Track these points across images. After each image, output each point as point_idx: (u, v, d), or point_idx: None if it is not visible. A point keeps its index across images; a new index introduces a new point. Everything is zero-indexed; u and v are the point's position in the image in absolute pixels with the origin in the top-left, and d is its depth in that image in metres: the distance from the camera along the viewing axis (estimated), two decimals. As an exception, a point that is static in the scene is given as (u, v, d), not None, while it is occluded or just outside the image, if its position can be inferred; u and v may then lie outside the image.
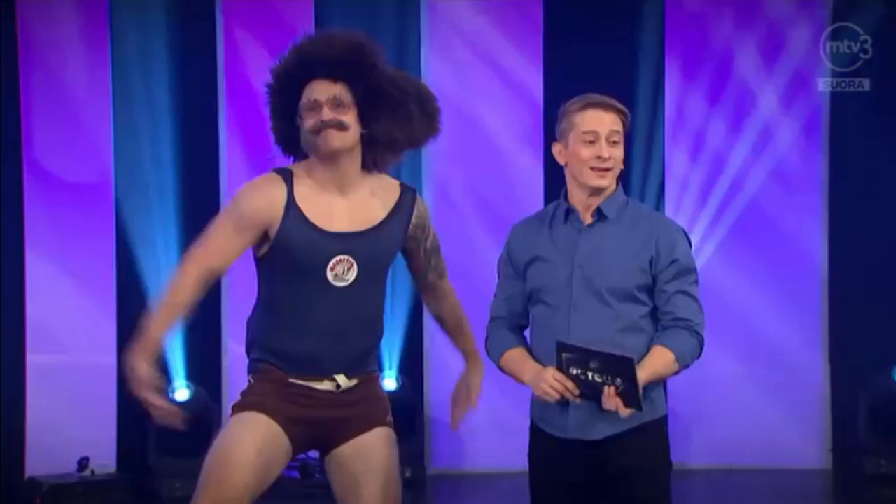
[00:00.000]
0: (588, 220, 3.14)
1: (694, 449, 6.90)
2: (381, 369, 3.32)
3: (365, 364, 3.18)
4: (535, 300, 3.17)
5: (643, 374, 3.01)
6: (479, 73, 6.91)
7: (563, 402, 3.07)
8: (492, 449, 6.73)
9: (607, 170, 3.12)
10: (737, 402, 6.93)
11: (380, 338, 3.24)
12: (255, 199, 3.08)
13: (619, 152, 3.15)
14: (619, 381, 2.97)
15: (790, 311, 6.95)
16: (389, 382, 6.59)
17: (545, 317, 3.14)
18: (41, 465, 6.28)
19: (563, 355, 3.02)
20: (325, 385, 3.13)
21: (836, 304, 6.92)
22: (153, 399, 3.00)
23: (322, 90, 3.07)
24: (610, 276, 3.08)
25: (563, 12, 6.87)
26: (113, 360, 6.35)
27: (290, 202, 3.08)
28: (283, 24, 6.72)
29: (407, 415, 6.56)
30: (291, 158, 3.22)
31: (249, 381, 3.16)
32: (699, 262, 6.73)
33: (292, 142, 3.17)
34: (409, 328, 6.70)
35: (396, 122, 3.10)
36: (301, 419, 3.10)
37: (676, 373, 3.10)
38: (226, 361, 6.60)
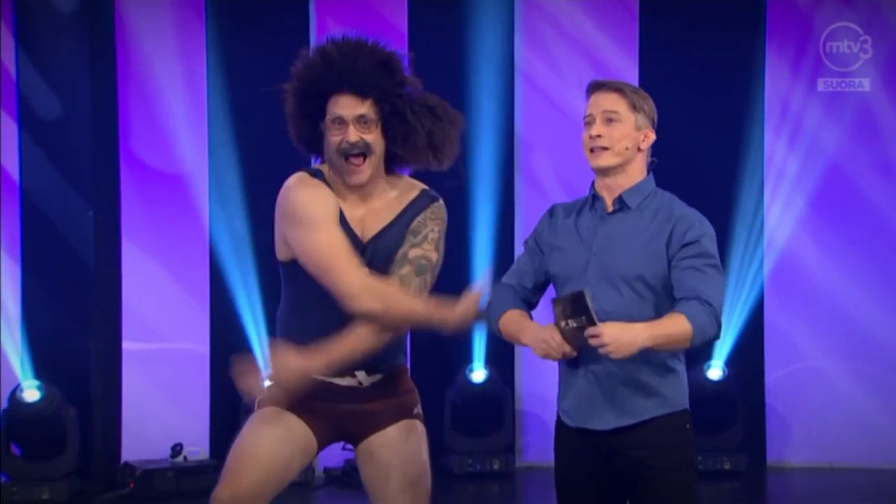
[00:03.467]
0: (610, 208, 3.11)
1: (792, 446, 6.78)
2: (406, 362, 3.30)
3: (387, 360, 3.16)
4: (556, 289, 3.15)
5: (648, 328, 2.90)
6: (572, 65, 6.84)
7: (569, 388, 3.06)
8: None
9: (603, 148, 3.06)
10: (837, 399, 6.76)
11: (402, 334, 3.20)
12: (317, 198, 3.07)
13: (616, 131, 3.06)
14: (583, 318, 2.90)
15: (893, 304, 6.75)
16: (478, 375, 6.55)
17: None
18: (137, 450, 6.38)
19: (555, 310, 2.98)
20: (347, 381, 3.13)
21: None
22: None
23: (349, 107, 3.06)
24: (623, 264, 3.03)
25: (659, 1, 6.77)
26: (206, 348, 6.42)
27: (340, 210, 3.11)
28: (376, 17, 6.73)
29: (496, 407, 6.53)
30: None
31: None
32: (799, 255, 6.81)
33: (313, 143, 3.16)
34: (499, 320, 6.65)
35: (405, 145, 3.09)
36: (325, 413, 3.12)
37: (693, 342, 2.96)
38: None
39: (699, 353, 6.54)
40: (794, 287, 6.80)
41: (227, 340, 6.27)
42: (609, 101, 3.06)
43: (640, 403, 3.02)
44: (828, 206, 6.82)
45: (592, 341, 2.90)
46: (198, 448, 6.32)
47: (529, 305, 3.19)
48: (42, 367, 6.24)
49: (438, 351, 6.64)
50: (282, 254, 3.15)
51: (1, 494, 6.03)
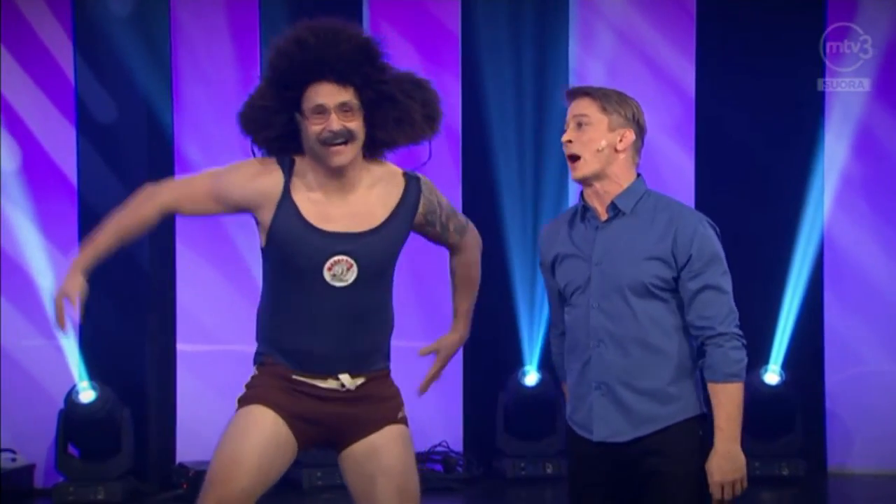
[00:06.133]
0: (604, 216, 3.07)
1: (854, 453, 6.66)
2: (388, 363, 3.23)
3: (371, 362, 3.10)
4: (564, 301, 3.13)
5: (722, 433, 2.97)
6: (628, 66, 6.78)
7: (581, 401, 3.05)
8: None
9: (576, 158, 3.04)
10: (900, 404, 6.64)
11: (387, 335, 3.15)
12: (247, 182, 3.02)
13: (586, 134, 3.03)
14: None
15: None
16: (531, 378, 6.51)
17: (570, 316, 3.09)
18: (191, 451, 6.41)
19: None
20: (330, 384, 3.06)
21: None
22: (67, 303, 3.00)
23: (331, 95, 2.97)
24: (627, 271, 3.01)
25: (717, 2, 6.70)
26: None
27: (286, 195, 3.01)
28: (429, 18, 6.72)
29: (549, 411, 6.49)
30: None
31: (254, 373, 3.10)
32: (860, 256, 6.70)
33: (284, 140, 3.04)
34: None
35: (400, 126, 3.03)
36: (307, 415, 3.05)
37: (741, 384, 3.00)
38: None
39: (756, 357, 6.44)
40: (855, 289, 6.68)
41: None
42: (579, 106, 3.06)
43: (657, 411, 3.01)
44: (890, 205, 6.70)
45: (726, 501, 2.97)
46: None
47: None
48: (98, 368, 6.30)
49: (491, 354, 6.61)
50: (261, 240, 3.10)
51: (57, 494, 6.09)
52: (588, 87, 3.08)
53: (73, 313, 3.01)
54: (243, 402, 3.07)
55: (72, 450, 6.23)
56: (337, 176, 3.03)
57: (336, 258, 3.00)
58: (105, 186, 6.35)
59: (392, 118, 3.01)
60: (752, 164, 6.66)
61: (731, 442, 2.96)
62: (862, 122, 6.71)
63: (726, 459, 2.96)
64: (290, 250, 3.00)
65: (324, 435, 3.09)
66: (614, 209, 3.06)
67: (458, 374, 6.64)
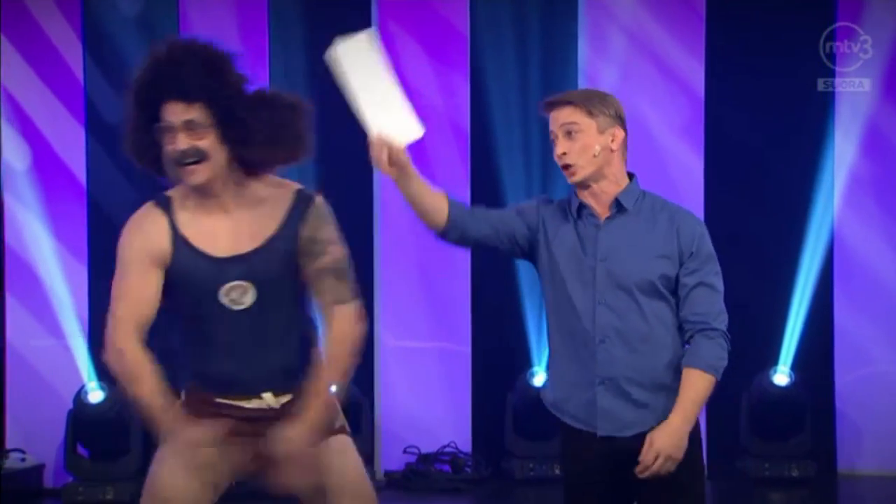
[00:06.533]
0: (606, 212, 3.10)
1: (864, 453, 6.64)
2: None
3: (295, 379, 2.97)
4: (556, 290, 3.10)
5: (684, 412, 3.00)
6: (637, 66, 6.77)
7: (580, 393, 3.07)
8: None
9: (567, 166, 3.07)
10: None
11: (308, 350, 3.02)
12: (136, 241, 2.96)
13: (579, 142, 3.06)
14: None
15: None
16: (539, 379, 6.49)
17: (567, 312, 3.08)
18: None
19: None
20: (255, 403, 2.98)
21: None
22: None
23: (177, 113, 2.87)
24: (636, 269, 3.05)
25: (726, 2, 6.69)
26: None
27: (175, 233, 2.94)
28: (437, 19, 6.72)
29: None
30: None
31: (182, 399, 3.02)
32: (869, 256, 6.67)
33: (155, 160, 2.96)
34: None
35: (250, 145, 2.89)
36: (239, 433, 2.96)
37: (716, 381, 3.06)
38: (377, 353, 6.62)
39: (765, 358, 6.44)
40: (865, 288, 6.66)
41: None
42: (564, 115, 3.07)
43: (661, 404, 3.05)
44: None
45: (651, 471, 2.97)
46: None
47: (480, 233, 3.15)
48: (106, 368, 6.28)
49: (499, 354, 6.61)
50: None
51: (67, 494, 6.10)
52: (568, 95, 3.10)
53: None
54: (168, 436, 2.95)
55: (81, 450, 6.24)
56: (210, 196, 2.94)
57: (230, 284, 2.92)
58: (114, 186, 6.36)
59: (240, 137, 2.89)
60: (760, 163, 6.65)
61: (686, 423, 3.02)
62: (870, 121, 6.70)
63: (677, 437, 3.00)
64: (187, 282, 2.93)
65: (257, 461, 2.96)
66: (618, 206, 3.08)
67: (467, 375, 6.65)
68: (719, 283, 3.09)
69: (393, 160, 2.99)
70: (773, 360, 6.47)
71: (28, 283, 6.48)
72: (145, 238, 2.96)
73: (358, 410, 6.33)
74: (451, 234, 3.11)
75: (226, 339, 2.94)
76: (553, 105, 3.09)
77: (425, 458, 6.52)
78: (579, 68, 6.73)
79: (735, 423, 6.35)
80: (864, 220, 6.67)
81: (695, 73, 6.71)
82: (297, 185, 3.03)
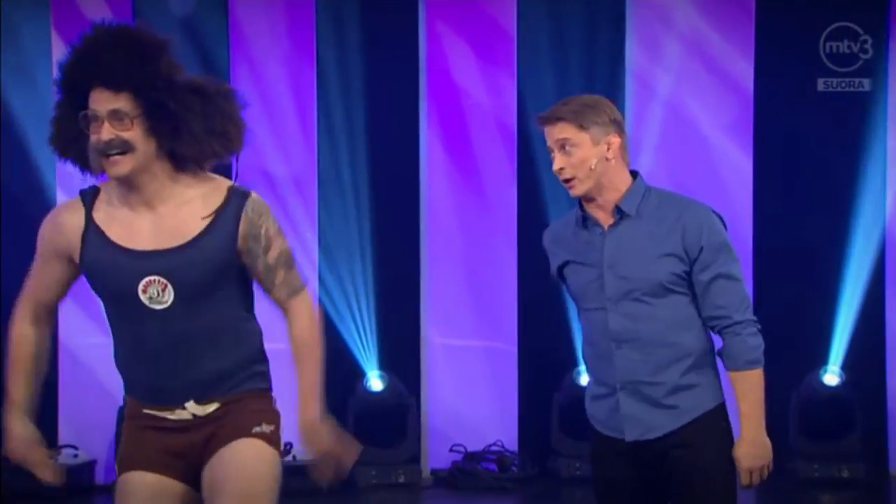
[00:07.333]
0: (609, 220, 3.10)
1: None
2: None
3: (225, 387, 2.86)
4: (576, 302, 3.17)
5: (748, 419, 3.01)
6: (686, 65, 6.75)
7: (603, 400, 3.08)
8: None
9: (567, 180, 3.08)
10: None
11: (244, 357, 2.89)
12: (46, 231, 2.90)
13: (575, 157, 3.05)
14: None
15: None
16: (586, 378, 6.46)
17: (585, 321, 3.13)
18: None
19: None
20: (179, 414, 2.85)
21: None
22: (33, 457, 2.87)
23: (102, 102, 2.74)
24: (641, 273, 3.04)
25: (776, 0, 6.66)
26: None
27: (89, 226, 2.85)
28: (485, 19, 6.73)
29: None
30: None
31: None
32: None
33: (80, 154, 2.84)
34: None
35: (178, 138, 2.77)
36: (170, 450, 2.87)
37: (761, 369, 3.05)
38: (424, 352, 6.63)
39: (815, 357, 6.38)
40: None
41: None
42: (557, 131, 3.06)
43: (684, 404, 3.04)
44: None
45: (754, 485, 3.04)
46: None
47: None
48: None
49: (546, 354, 6.61)
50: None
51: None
52: (559, 111, 3.07)
53: (42, 459, 2.89)
54: (117, 465, 2.92)
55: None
56: (135, 189, 2.82)
57: (148, 279, 2.81)
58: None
59: (169, 129, 2.76)
60: (809, 162, 6.60)
61: (757, 428, 3.02)
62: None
63: (754, 446, 3.01)
64: (104, 276, 2.85)
65: (195, 463, 2.88)
66: (619, 213, 3.09)
67: (514, 374, 6.65)
68: (737, 271, 3.05)
69: None
70: (823, 360, 6.42)
71: (79, 281, 6.54)
72: (54, 229, 2.90)
73: (405, 409, 6.35)
74: None
75: (147, 341, 2.83)
76: (545, 121, 3.10)
77: (471, 457, 6.53)
78: (627, 67, 6.71)
79: (784, 424, 6.29)
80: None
81: (744, 72, 6.68)
82: (229, 182, 2.89)
